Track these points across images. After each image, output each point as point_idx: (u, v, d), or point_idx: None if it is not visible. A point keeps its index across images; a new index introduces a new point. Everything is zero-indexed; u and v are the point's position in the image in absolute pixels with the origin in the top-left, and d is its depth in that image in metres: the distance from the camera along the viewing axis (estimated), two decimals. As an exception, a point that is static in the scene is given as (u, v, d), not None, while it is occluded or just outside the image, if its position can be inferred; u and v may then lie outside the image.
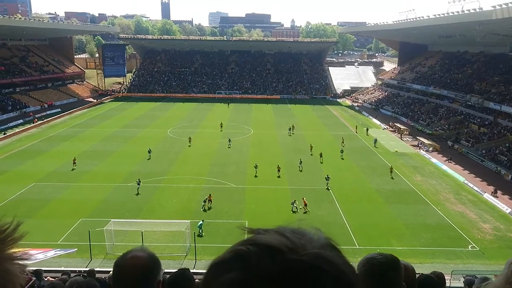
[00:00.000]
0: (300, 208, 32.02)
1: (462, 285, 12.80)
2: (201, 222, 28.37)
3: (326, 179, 37.83)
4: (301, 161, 42.82)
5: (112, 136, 56.81)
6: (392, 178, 39.98)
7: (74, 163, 42.06)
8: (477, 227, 30.25)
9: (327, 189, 36.99)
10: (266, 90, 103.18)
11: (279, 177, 39.81)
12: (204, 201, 32.39)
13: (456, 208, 33.89)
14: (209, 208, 31.97)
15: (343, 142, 52.60)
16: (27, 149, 50.03)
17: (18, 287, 1.07)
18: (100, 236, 25.85)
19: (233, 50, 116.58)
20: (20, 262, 1.07)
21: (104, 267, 22.16)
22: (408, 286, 2.49)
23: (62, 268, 16.37)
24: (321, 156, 46.23)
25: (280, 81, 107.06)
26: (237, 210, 32.31)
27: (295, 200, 32.50)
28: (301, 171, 41.86)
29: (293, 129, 60.98)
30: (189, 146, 50.70)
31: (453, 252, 26.43)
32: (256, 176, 39.92)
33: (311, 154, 48.15)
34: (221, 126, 61.33)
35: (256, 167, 40.98)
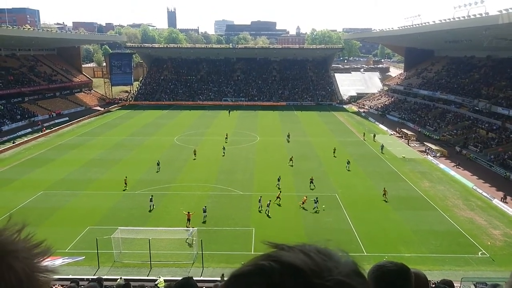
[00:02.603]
0: (270, 204, 33.06)
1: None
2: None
3: (311, 182, 39.42)
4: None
5: (119, 144, 57.15)
6: (385, 201, 35.90)
7: (126, 183, 39.11)
8: (487, 233, 29.88)
9: (311, 187, 38.39)
10: (272, 97, 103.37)
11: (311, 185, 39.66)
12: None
13: (465, 214, 33.54)
14: (187, 227, 29.14)
15: (334, 151, 51.04)
16: (36, 158, 50.46)
17: None
18: (108, 243, 25.91)
19: (239, 57, 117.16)
20: (50, 274, 1.07)
21: (112, 274, 22.23)
22: None
23: (70, 276, 16.42)
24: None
25: (286, 88, 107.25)
26: (244, 217, 32.23)
27: (261, 197, 33.67)
28: (312, 187, 41.64)
29: (289, 136, 60.46)
30: (194, 159, 48.67)
31: (463, 259, 26.11)
32: (279, 188, 37.74)
33: (335, 156, 49.89)
34: (226, 137, 58.80)
35: (279, 179, 39.53)
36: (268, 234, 28.65)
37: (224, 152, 51.20)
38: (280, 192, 36.10)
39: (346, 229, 30.09)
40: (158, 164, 44.59)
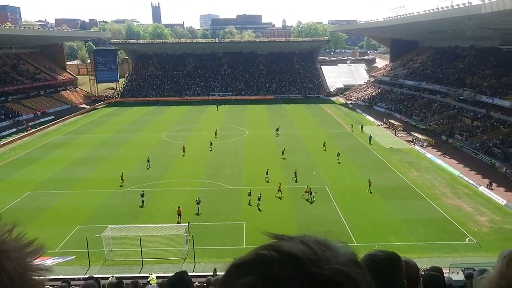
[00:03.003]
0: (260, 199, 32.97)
1: (461, 278, 12.90)
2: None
3: (295, 175, 39.54)
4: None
5: (106, 142, 56.59)
6: (370, 192, 36.02)
7: (122, 179, 39.06)
8: (474, 220, 30.44)
9: (294, 180, 39.02)
10: (259, 90, 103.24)
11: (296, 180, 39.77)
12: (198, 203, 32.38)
13: (452, 202, 34.10)
14: (179, 223, 29.60)
15: (324, 144, 50.37)
16: (22, 158, 49.70)
17: None
18: (98, 242, 25.74)
19: (226, 51, 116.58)
20: (44, 273, 1.07)
21: (103, 273, 22.10)
22: (411, 282, 2.51)
23: (61, 276, 16.27)
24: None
25: (273, 81, 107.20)
26: (235, 211, 32.28)
27: (250, 191, 33.82)
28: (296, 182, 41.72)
29: (278, 130, 60.42)
30: (183, 156, 48.28)
31: (451, 246, 26.59)
32: (267, 182, 38.57)
33: (325, 150, 49.30)
34: (216, 133, 58.00)
35: (267, 173, 39.87)
36: (259, 228, 28.72)
37: (211, 148, 51.03)
38: (280, 184, 36.02)
39: (336, 220, 30.36)
40: (148, 161, 44.40)
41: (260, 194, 33.47)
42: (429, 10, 64.94)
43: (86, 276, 18.78)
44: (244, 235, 28.16)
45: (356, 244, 26.32)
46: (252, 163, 44.91)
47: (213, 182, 39.15)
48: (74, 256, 23.58)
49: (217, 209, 32.72)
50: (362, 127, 62.65)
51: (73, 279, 15.10)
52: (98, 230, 27.08)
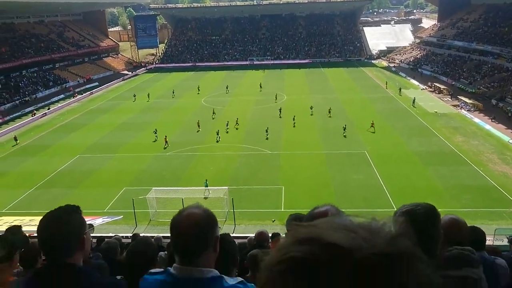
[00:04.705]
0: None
1: (506, 244, 12.54)
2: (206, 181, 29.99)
3: (344, 129, 41.68)
4: (344, 128, 42.07)
5: (148, 108, 58.06)
6: (373, 132, 41.92)
7: (166, 141, 40.39)
8: (523, 187, 29.14)
9: (344, 136, 41.02)
10: (298, 54, 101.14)
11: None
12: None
13: (500, 168, 32.69)
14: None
15: (372, 125, 43.22)
16: (70, 123, 52.15)
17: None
18: (143, 203, 27.01)
19: (264, 14, 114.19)
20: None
21: (149, 232, 23.29)
22: (458, 239, 2.51)
23: (111, 234, 17.33)
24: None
25: (313, 45, 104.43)
26: (273, 176, 32.62)
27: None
28: (345, 136, 41.21)
29: (276, 98, 58.77)
30: (227, 131, 44.15)
31: (496, 213, 25.75)
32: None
33: (373, 132, 42.38)
34: (261, 86, 64.77)
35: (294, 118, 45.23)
36: (297, 192, 29.03)
37: (214, 116, 49.88)
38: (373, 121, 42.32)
39: (376, 185, 30.03)
40: (198, 125, 45.18)
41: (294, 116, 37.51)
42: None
43: (131, 234, 19.87)
44: (282, 199, 28.55)
45: (395, 209, 26.00)
46: (290, 128, 44.73)
47: (253, 147, 39.53)
48: (122, 216, 24.91)
49: (255, 173, 33.19)
50: (400, 90, 60.41)
51: (122, 237, 16.07)
52: (143, 192, 28.34)
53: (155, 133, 42.50)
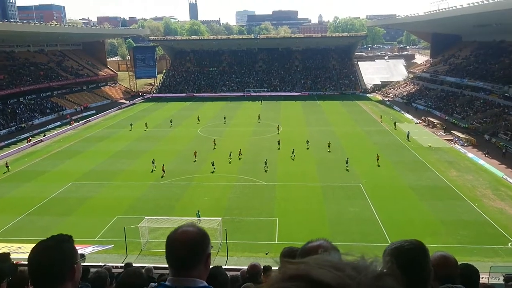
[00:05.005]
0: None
1: (502, 283, 12.38)
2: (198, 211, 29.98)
3: (346, 162, 41.62)
4: (347, 161, 42.00)
5: (144, 137, 58.16)
6: (378, 165, 41.99)
7: (163, 170, 40.44)
8: (518, 223, 29.04)
9: (347, 170, 40.79)
10: (294, 87, 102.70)
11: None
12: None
13: (495, 204, 32.67)
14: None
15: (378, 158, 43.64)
16: (65, 150, 52.00)
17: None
18: (135, 232, 26.58)
19: (261, 48, 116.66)
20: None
21: (139, 262, 22.81)
22: (450, 275, 2.50)
23: (100, 264, 16.97)
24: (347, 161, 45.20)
25: (308, 78, 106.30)
26: (268, 207, 32.39)
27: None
28: (347, 170, 41.21)
29: (279, 127, 59.30)
30: (230, 158, 45.17)
31: (492, 250, 25.51)
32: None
33: (378, 166, 42.47)
34: (259, 118, 66.67)
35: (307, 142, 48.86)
36: (291, 224, 28.76)
37: (214, 146, 50.88)
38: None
39: (370, 219, 29.82)
40: (195, 155, 45.38)
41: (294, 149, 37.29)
42: (473, 3, 62.17)
43: (122, 264, 19.45)
44: (276, 231, 28.23)
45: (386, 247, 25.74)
46: (287, 160, 44.83)
47: (248, 178, 39.42)
48: (113, 245, 24.46)
49: (250, 204, 32.94)
50: (395, 124, 61.15)
51: (112, 267, 15.73)
52: (136, 221, 27.94)
53: (153, 163, 42.32)
